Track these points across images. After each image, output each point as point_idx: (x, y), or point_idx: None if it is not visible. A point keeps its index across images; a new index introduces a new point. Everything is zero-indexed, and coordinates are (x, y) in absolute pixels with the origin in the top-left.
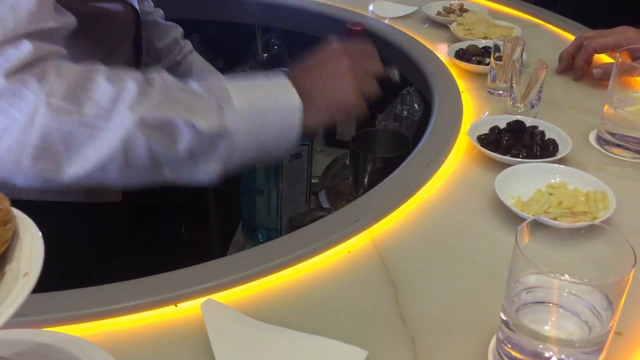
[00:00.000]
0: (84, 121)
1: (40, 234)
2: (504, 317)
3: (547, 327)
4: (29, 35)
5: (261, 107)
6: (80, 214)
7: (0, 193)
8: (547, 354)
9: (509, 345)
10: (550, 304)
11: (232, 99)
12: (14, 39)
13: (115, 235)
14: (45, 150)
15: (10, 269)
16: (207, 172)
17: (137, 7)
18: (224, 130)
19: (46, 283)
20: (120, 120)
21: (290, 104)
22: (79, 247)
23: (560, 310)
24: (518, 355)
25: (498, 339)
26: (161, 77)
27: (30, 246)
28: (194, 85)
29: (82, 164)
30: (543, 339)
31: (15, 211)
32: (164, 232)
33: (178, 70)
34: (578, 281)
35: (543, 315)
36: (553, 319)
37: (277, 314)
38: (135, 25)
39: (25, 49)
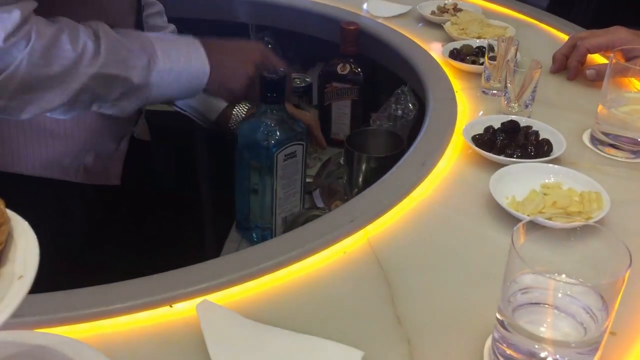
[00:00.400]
0: (52, 75)
1: (34, 235)
2: (499, 317)
3: (542, 328)
4: (20, 2)
5: (179, 69)
6: (79, 195)
7: None
8: (542, 354)
9: (505, 345)
10: (546, 305)
11: (159, 59)
12: (7, 6)
13: (111, 221)
14: (18, 93)
15: (5, 271)
16: (126, 109)
17: None
18: (147, 83)
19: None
20: (78, 77)
21: (201, 70)
22: (76, 229)
23: (556, 311)
24: (514, 355)
25: (494, 339)
26: (105, 34)
27: (25, 248)
28: (131, 42)
29: (40, 106)
30: (539, 339)
31: (10, 213)
32: (157, 231)
33: None
34: (573, 282)
35: (539, 315)
36: (549, 320)
37: (272, 315)
38: (137, 5)
39: (16, 14)
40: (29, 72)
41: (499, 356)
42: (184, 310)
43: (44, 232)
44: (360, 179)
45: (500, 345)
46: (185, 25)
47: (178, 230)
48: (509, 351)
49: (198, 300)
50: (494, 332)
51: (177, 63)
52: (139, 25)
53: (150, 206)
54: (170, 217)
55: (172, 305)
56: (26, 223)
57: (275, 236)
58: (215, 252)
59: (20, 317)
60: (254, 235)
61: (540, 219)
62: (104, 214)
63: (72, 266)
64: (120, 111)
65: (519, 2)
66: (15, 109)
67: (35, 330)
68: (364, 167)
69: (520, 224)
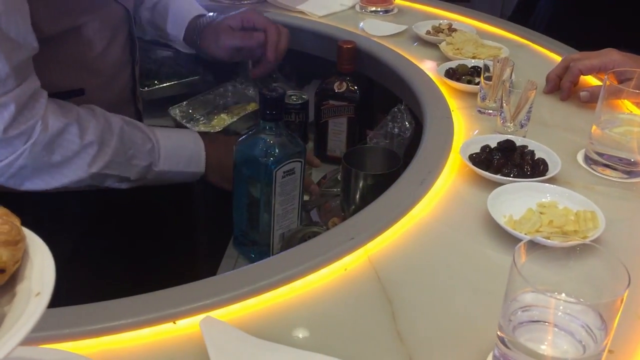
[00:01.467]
0: (51, 164)
1: (50, 253)
2: (500, 335)
3: (542, 346)
4: (10, 93)
5: (175, 171)
6: (79, 199)
7: (10, 211)
8: None
9: None
10: (546, 323)
11: (159, 162)
12: (2, 102)
13: (108, 228)
14: (17, 175)
15: (22, 288)
16: (117, 186)
17: (127, 6)
18: (142, 179)
19: None
20: (75, 171)
21: (196, 172)
22: (72, 231)
23: (556, 329)
24: None
25: (494, 356)
26: (120, 134)
27: (41, 265)
28: (141, 142)
29: (37, 186)
30: (538, 357)
31: (25, 230)
32: (153, 246)
33: (156, 9)
34: (573, 301)
35: (539, 334)
36: (549, 338)
37: (274, 331)
38: (127, 21)
39: (11, 107)
40: (30, 160)
41: None
42: (187, 326)
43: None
44: (357, 196)
45: None
46: None
47: (174, 247)
48: None
49: (201, 316)
50: (495, 349)
51: (175, 166)
52: (131, 34)
53: (152, 209)
54: (166, 233)
55: (176, 322)
56: (41, 240)
57: (272, 252)
58: (212, 269)
59: None
60: (251, 252)
61: (540, 239)
62: (103, 216)
63: (65, 276)
64: (112, 186)
65: (512, 23)
66: (13, 184)
67: (41, 346)
68: (361, 184)
69: (521, 244)
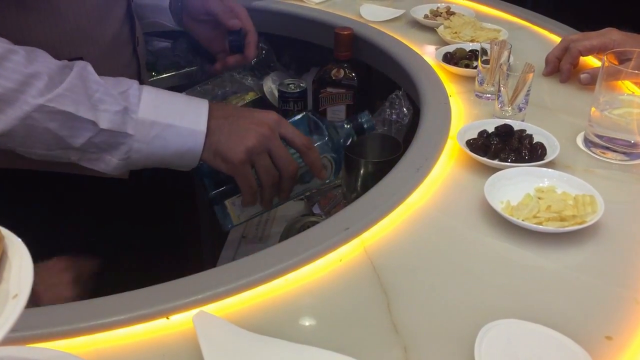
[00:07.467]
0: None
1: (29, 254)
2: None
3: None
4: None
5: (165, 123)
6: (81, 189)
7: None
8: None
9: None
10: None
11: (139, 107)
12: None
13: (111, 219)
14: None
15: (0, 290)
16: (107, 164)
17: None
18: (121, 132)
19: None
20: (19, 105)
21: (194, 130)
22: (74, 227)
23: None
24: None
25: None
26: (80, 72)
27: (19, 267)
28: (113, 87)
29: None
30: None
31: (4, 231)
32: (154, 239)
33: None
34: None
35: None
36: None
37: (269, 325)
38: None
39: None
40: None
41: None
42: (180, 322)
43: (43, 228)
44: (359, 184)
45: None
46: (178, 32)
47: (174, 240)
48: None
49: (195, 311)
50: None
51: (164, 117)
52: (130, 12)
53: (155, 198)
54: (167, 227)
55: (169, 317)
56: (20, 241)
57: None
58: (212, 261)
59: (16, 332)
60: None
61: None
62: (106, 209)
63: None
64: (105, 166)
65: (510, 3)
66: None
67: (31, 345)
68: (362, 171)
69: None
